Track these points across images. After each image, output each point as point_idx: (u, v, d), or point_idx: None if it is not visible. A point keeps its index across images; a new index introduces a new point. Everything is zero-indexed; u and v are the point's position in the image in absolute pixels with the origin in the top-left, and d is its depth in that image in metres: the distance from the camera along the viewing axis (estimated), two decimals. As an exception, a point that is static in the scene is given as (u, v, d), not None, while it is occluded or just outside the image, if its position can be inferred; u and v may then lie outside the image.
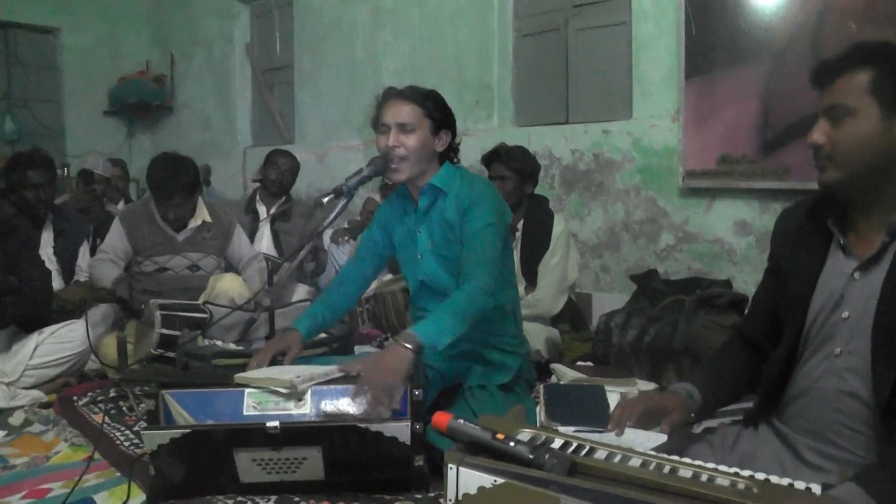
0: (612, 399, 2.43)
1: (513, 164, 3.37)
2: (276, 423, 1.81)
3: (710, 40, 3.68)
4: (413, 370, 2.01)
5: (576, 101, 4.62)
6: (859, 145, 1.44)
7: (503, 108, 4.91)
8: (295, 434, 1.84)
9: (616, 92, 4.37)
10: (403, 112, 2.29)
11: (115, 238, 3.57)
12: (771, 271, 1.74)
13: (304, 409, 1.94)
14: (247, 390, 1.92)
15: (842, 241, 1.53)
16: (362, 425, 1.83)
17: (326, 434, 1.85)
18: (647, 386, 2.78)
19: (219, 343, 2.79)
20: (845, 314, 1.50)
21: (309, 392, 1.93)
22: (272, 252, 4.30)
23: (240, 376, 1.96)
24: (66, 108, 7.81)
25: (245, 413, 1.93)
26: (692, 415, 1.66)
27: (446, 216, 2.33)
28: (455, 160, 2.43)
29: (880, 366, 1.43)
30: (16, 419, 2.84)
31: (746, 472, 1.30)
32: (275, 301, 2.59)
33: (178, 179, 3.45)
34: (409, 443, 1.85)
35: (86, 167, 4.87)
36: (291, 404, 1.92)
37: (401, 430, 1.85)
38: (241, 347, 2.74)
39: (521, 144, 3.64)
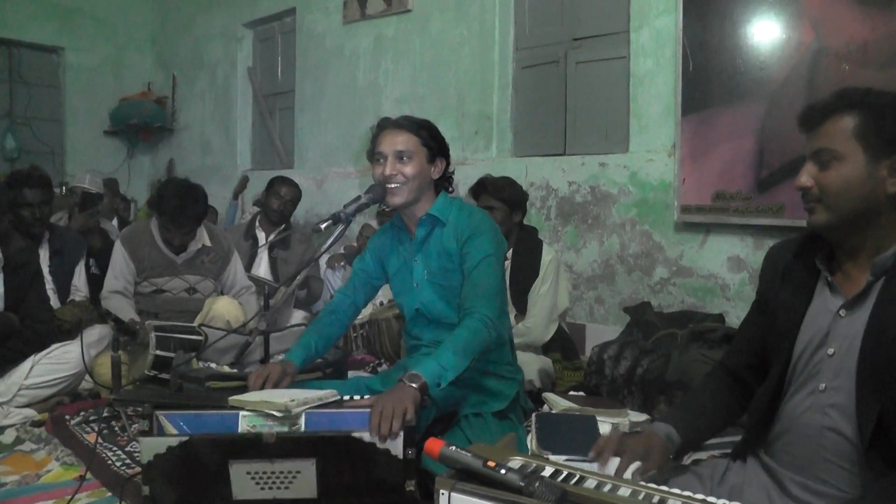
0: (604, 429, 2.45)
1: (500, 195, 3.38)
2: (272, 432, 1.83)
3: (708, 77, 3.74)
4: (420, 409, 2.03)
5: (574, 133, 4.67)
6: (846, 188, 1.48)
7: (502, 138, 4.97)
8: (290, 444, 1.85)
9: (613, 125, 4.43)
10: (400, 141, 2.32)
11: (120, 262, 3.57)
12: (758, 306, 1.76)
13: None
14: (241, 412, 1.93)
15: (829, 279, 1.56)
16: (356, 435, 1.85)
17: (321, 445, 1.86)
18: (639, 417, 2.78)
19: (213, 365, 2.80)
20: (831, 351, 1.53)
21: (303, 416, 1.94)
22: (269, 278, 4.31)
23: (233, 399, 1.97)
24: (68, 126, 7.86)
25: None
26: (670, 457, 1.67)
27: (445, 245, 2.35)
28: (450, 189, 2.47)
29: (864, 403, 1.45)
30: (7, 437, 2.83)
31: (734, 505, 1.31)
32: (270, 325, 2.60)
33: (190, 209, 3.50)
34: (400, 457, 1.87)
35: (75, 184, 4.84)
36: (286, 427, 1.93)
37: (393, 444, 1.86)
38: (235, 370, 2.74)
39: (518, 175, 3.68)
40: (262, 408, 1.92)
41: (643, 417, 2.80)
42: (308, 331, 2.51)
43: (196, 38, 7.62)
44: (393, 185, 2.32)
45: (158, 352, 2.93)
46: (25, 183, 3.57)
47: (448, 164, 2.43)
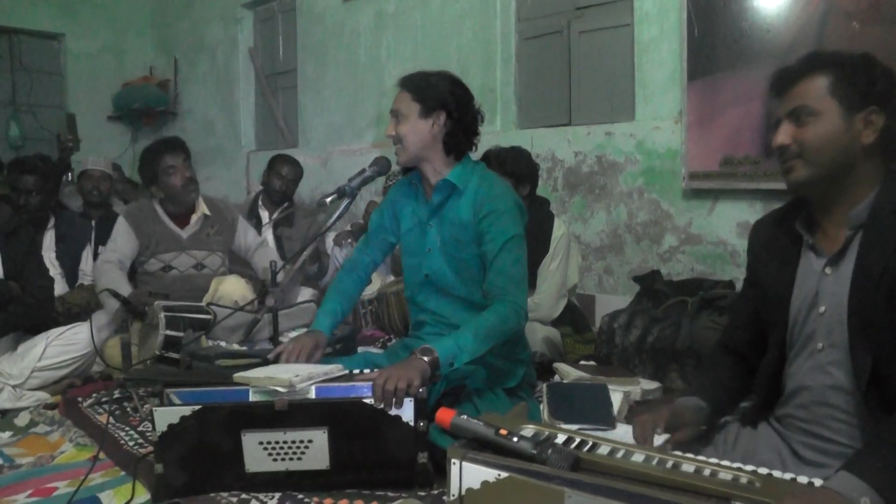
0: (616, 398, 2.44)
1: (504, 168, 3.26)
2: (284, 399, 1.83)
3: (713, 42, 3.68)
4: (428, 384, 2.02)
5: (578, 103, 4.63)
6: (825, 143, 1.53)
7: (506, 110, 4.92)
8: (302, 412, 1.87)
9: (619, 94, 4.38)
10: (397, 99, 2.30)
11: (121, 236, 3.53)
12: (749, 282, 1.81)
13: (309, 407, 1.95)
14: (251, 389, 1.93)
15: (810, 241, 1.60)
16: (367, 401, 1.87)
17: (332, 411, 1.87)
18: (651, 385, 2.77)
19: (223, 344, 2.79)
20: (822, 310, 1.56)
21: (313, 390, 1.94)
22: (275, 257, 4.29)
23: (238, 376, 1.96)
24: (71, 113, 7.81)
25: (249, 411, 1.94)
26: (702, 427, 1.70)
27: (461, 215, 2.27)
28: (463, 145, 2.33)
29: (858, 355, 1.48)
30: (21, 420, 2.85)
31: (749, 467, 1.31)
32: (278, 302, 2.59)
33: (168, 142, 3.54)
34: (412, 424, 1.87)
35: (89, 168, 4.81)
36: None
37: (404, 410, 1.88)
38: (244, 348, 2.74)
39: (523, 146, 3.61)
40: (266, 384, 1.92)
41: (655, 385, 2.79)
42: (329, 296, 2.47)
43: (196, 20, 7.57)
44: (395, 146, 2.29)
45: (168, 332, 2.92)
46: (21, 170, 3.66)
47: (457, 118, 2.27)
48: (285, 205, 4.64)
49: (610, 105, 4.46)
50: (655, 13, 4.01)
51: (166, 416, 1.87)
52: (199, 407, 1.88)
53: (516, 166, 3.32)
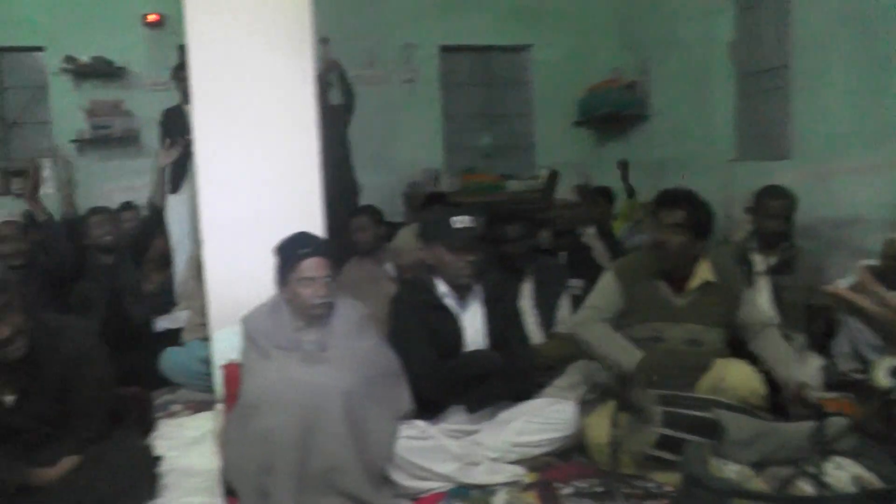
0: None
1: None
2: None
3: None
4: None
5: None
6: None
7: None
8: None
9: None
10: None
11: (608, 292, 3.11)
12: None
13: None
14: None
15: None
16: None
17: None
18: None
19: (734, 469, 2.12)
20: None
21: None
22: (771, 314, 3.49)
23: None
24: (537, 120, 8.00)
25: None
26: None
27: None
28: None
29: None
30: (498, 499, 2.65)
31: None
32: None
33: (676, 204, 2.98)
34: None
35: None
36: None
37: None
38: (768, 489, 2.02)
39: None
40: None
41: None
42: None
43: (667, 15, 7.02)
44: None
45: (665, 430, 2.42)
46: (507, 220, 3.69)
47: None
48: (784, 245, 3.79)
49: None
50: None
51: None
52: None
53: None
